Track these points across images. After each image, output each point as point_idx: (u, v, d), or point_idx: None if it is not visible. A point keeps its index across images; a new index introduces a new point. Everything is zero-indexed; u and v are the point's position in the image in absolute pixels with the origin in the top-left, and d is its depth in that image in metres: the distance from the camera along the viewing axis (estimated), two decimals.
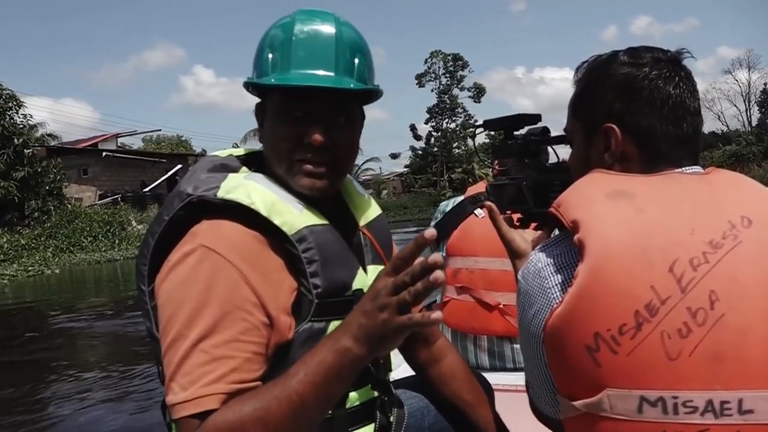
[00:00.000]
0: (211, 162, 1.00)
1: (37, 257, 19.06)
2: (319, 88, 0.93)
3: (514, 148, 1.14)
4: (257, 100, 1.06)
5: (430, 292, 0.73)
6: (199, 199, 0.91)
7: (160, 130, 37.84)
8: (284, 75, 0.94)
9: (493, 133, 1.42)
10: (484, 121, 1.20)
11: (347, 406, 0.96)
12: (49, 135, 41.33)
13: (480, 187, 2.19)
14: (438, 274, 0.70)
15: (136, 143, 41.90)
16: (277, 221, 0.89)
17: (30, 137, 21.76)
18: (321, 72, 0.94)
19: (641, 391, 0.69)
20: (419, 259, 0.74)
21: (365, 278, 0.98)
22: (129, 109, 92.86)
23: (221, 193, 0.90)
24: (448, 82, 43.47)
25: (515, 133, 1.16)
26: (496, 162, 2.07)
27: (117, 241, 21.86)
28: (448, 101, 43.55)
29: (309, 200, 0.95)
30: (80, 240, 21.04)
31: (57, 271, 17.58)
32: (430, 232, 0.72)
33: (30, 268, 17.66)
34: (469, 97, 43.80)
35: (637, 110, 0.83)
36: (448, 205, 2.22)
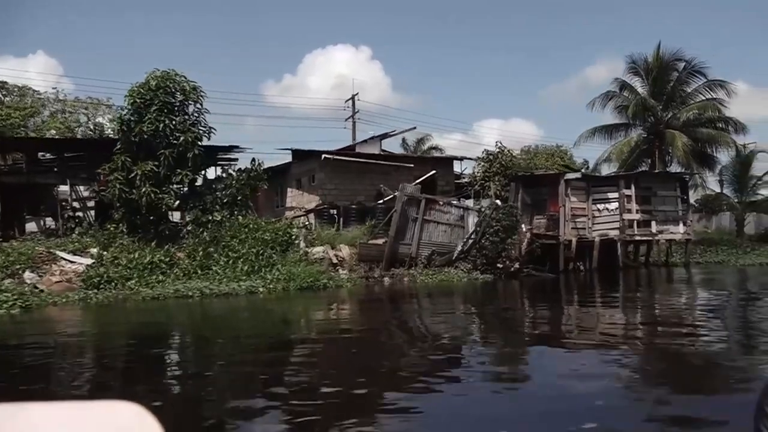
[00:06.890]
0: None
1: (145, 280, 15.48)
2: None
3: None
4: None
5: None
6: None
7: (414, 128, 32.28)
8: None
9: None
10: None
11: None
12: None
13: None
14: None
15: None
16: None
17: (198, 137, 18.56)
18: None
19: None
20: None
21: None
22: (566, 125, 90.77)
23: None
24: None
25: None
26: None
27: (258, 267, 16.80)
28: None
29: None
30: (216, 261, 16.74)
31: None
32: None
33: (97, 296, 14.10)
34: None
35: None
36: None
